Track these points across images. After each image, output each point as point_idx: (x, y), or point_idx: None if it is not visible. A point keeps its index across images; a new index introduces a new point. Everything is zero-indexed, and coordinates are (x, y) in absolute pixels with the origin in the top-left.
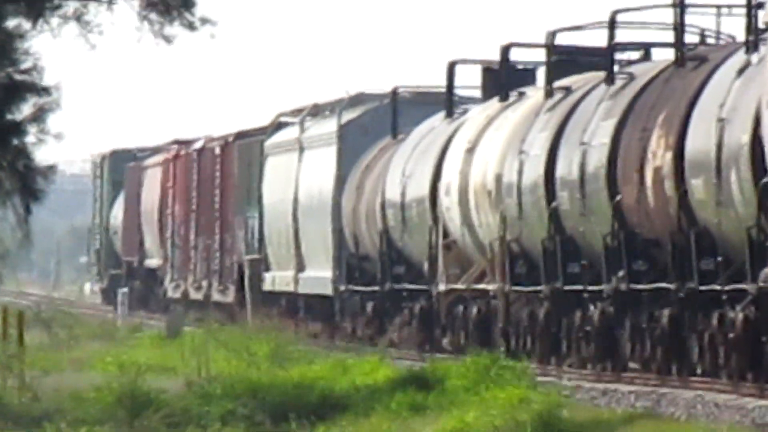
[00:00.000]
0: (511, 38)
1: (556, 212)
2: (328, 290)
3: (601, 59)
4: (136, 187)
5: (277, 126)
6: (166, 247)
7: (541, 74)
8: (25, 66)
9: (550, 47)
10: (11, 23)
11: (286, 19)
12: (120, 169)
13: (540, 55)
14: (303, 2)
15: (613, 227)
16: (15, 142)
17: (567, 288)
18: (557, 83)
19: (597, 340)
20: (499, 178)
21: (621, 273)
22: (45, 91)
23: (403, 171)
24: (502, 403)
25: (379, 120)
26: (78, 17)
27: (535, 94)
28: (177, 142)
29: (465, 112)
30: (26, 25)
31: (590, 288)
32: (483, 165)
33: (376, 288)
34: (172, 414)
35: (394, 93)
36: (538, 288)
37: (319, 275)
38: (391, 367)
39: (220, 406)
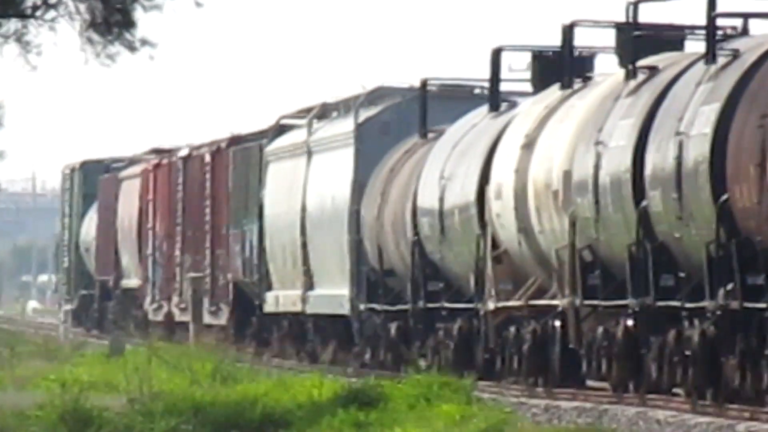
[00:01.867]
0: (502, 42)
1: (645, 214)
2: (345, 310)
3: (682, 36)
4: (110, 201)
5: (279, 129)
6: (146, 266)
7: (601, 61)
8: None
9: (630, 22)
10: None
11: (275, 19)
12: (92, 181)
13: (602, 38)
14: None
15: (718, 233)
16: None
17: (660, 304)
18: (639, 63)
19: (698, 365)
20: (567, 175)
21: (729, 287)
22: None
23: (440, 173)
24: (444, 420)
25: (401, 117)
26: (18, 37)
27: (605, 78)
28: (156, 151)
29: (513, 105)
30: None
31: (689, 305)
32: (546, 161)
33: (406, 306)
34: (115, 431)
35: (423, 86)
36: (623, 303)
37: (334, 293)
38: (334, 384)
39: (163, 424)
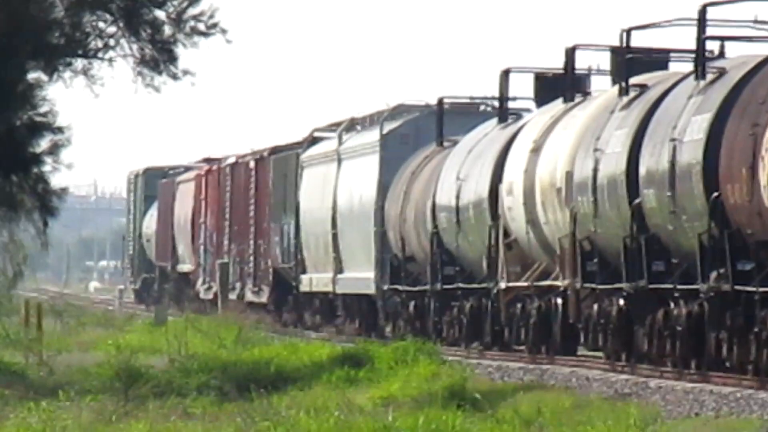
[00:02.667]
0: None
1: (639, 209)
2: (371, 290)
3: (667, 59)
4: (169, 201)
5: (312, 140)
6: (199, 254)
7: (596, 80)
8: (43, 110)
9: (623, 46)
10: (32, 76)
11: (309, 44)
12: (152, 184)
13: (597, 59)
14: (329, 26)
15: (710, 225)
16: (35, 170)
17: (652, 286)
18: (631, 81)
19: (685, 340)
20: (569, 176)
21: (721, 272)
22: (59, 130)
23: (457, 175)
24: (418, 377)
25: (419, 129)
26: (85, 72)
27: (601, 94)
28: (207, 159)
29: (518, 117)
30: (44, 77)
31: (681, 287)
32: (550, 164)
33: (425, 287)
34: (159, 385)
35: (440, 103)
36: (619, 285)
37: (361, 276)
38: (332, 348)
39: (197, 379)
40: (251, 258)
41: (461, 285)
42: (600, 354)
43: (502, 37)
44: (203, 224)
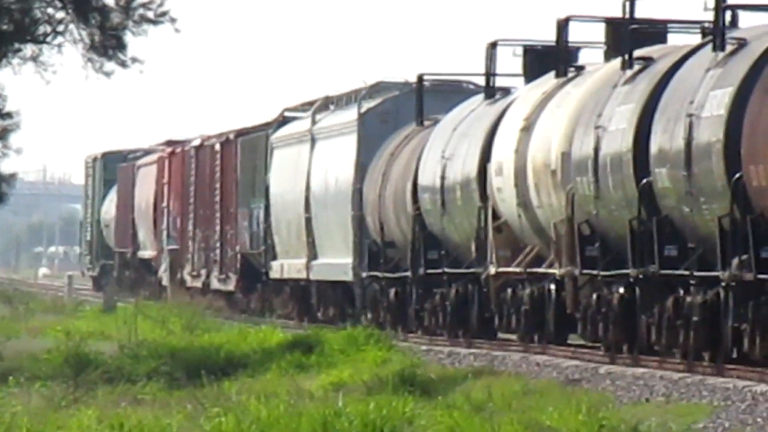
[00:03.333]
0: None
1: (649, 190)
2: (348, 276)
3: (664, 30)
4: (129, 185)
5: (282, 121)
6: (161, 239)
7: (585, 54)
8: None
9: (627, 17)
10: None
11: (276, 21)
12: (111, 168)
13: (586, 31)
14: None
15: (732, 208)
16: None
17: (664, 272)
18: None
19: (699, 330)
20: (565, 156)
21: (743, 259)
22: (8, 115)
23: (442, 154)
24: (368, 363)
25: (399, 108)
26: (34, 58)
27: (598, 68)
28: (169, 142)
29: (507, 93)
30: None
31: (699, 274)
32: (544, 143)
33: (406, 273)
34: (108, 371)
35: (420, 80)
36: (625, 272)
37: (337, 262)
38: (282, 334)
39: (146, 365)
40: (217, 244)
41: (447, 270)
42: (590, 344)
43: (484, 10)
44: (166, 209)
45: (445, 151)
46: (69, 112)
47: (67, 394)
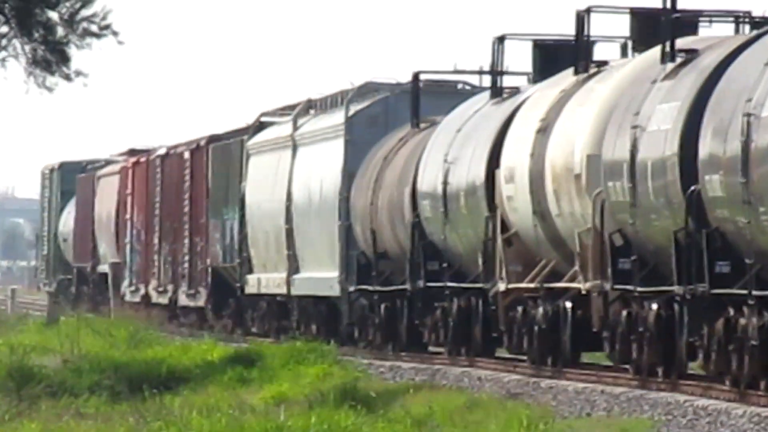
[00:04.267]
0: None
1: (698, 199)
2: (334, 291)
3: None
4: (88, 196)
5: (259, 126)
6: (124, 253)
7: (601, 48)
8: None
9: (669, 8)
10: None
11: (245, 24)
12: (69, 179)
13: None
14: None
15: None
16: None
17: (717, 291)
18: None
19: (755, 356)
20: (592, 160)
21: None
22: None
23: (444, 157)
24: (310, 377)
25: (389, 110)
26: None
27: (626, 63)
28: (132, 151)
29: (515, 91)
30: None
31: (758, 293)
32: (565, 146)
33: (403, 286)
34: (51, 385)
35: (416, 78)
36: (667, 289)
37: (322, 276)
38: (223, 348)
39: (89, 379)
40: (186, 257)
41: (450, 284)
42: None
43: (470, 7)
44: (129, 221)
45: (448, 155)
46: (12, 125)
47: (10, 408)
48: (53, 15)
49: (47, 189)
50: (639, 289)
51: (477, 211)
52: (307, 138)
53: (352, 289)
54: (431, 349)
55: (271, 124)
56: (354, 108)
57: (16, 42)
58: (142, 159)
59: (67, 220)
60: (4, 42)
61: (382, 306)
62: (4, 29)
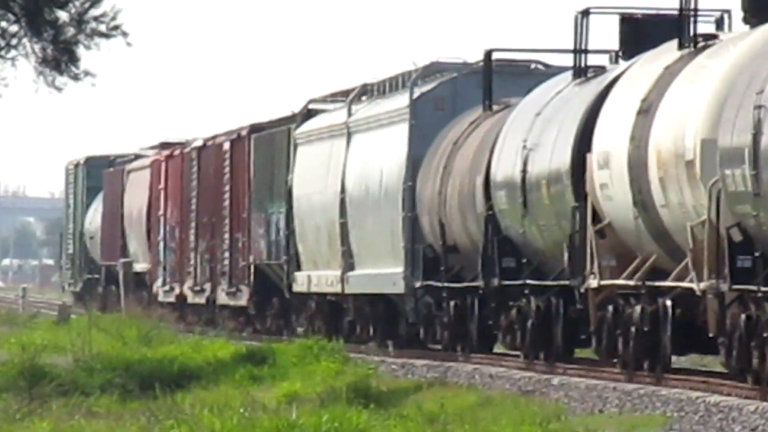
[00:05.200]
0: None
1: None
2: (398, 288)
3: None
4: (117, 192)
5: (307, 113)
6: (157, 251)
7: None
8: None
9: None
10: None
11: (278, 18)
12: (96, 175)
13: None
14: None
15: None
16: None
17: None
18: None
19: None
20: (707, 144)
21: None
22: None
23: (522, 143)
24: (322, 375)
25: (456, 93)
26: None
27: (741, 36)
28: (164, 144)
29: (601, 70)
30: None
31: None
32: (674, 129)
33: (476, 283)
34: (63, 384)
35: (488, 57)
36: None
37: (382, 272)
38: (235, 347)
39: (100, 377)
40: (226, 254)
41: (529, 281)
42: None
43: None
44: (162, 217)
45: (527, 141)
46: (23, 124)
47: (21, 407)
48: (62, 15)
49: (71, 185)
50: (763, 289)
51: (562, 201)
52: (363, 124)
53: (418, 285)
54: (498, 349)
55: (319, 111)
56: (419, 90)
57: (25, 41)
58: (176, 152)
59: (94, 217)
60: (14, 41)
61: (451, 304)
62: (14, 28)
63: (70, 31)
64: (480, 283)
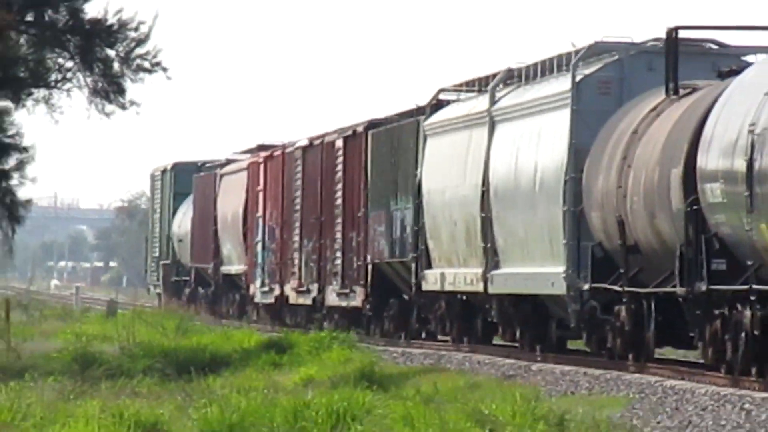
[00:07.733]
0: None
1: None
2: (559, 288)
3: None
4: (209, 196)
5: (437, 104)
6: (254, 252)
7: None
8: (10, 133)
9: None
10: (0, 104)
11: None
12: (182, 180)
13: None
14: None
15: None
16: (3, 184)
17: None
18: None
19: None
20: None
21: None
22: (24, 149)
23: (748, 128)
24: (333, 361)
25: (624, 76)
26: (46, 101)
27: None
28: (261, 147)
29: None
30: (11, 105)
31: None
32: None
33: (669, 288)
34: (110, 368)
35: (673, 35)
36: None
37: (537, 271)
38: (259, 336)
39: (142, 363)
40: (338, 254)
41: (756, 286)
42: None
43: None
44: (261, 218)
45: (756, 125)
46: (77, 146)
47: (75, 388)
48: (111, 53)
49: (158, 191)
50: None
51: None
52: (511, 112)
53: (586, 287)
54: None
55: (449, 101)
56: (582, 73)
57: (79, 75)
58: (277, 153)
59: (183, 221)
60: (69, 75)
61: (622, 309)
62: (69, 64)
63: (118, 67)
64: (679, 288)
